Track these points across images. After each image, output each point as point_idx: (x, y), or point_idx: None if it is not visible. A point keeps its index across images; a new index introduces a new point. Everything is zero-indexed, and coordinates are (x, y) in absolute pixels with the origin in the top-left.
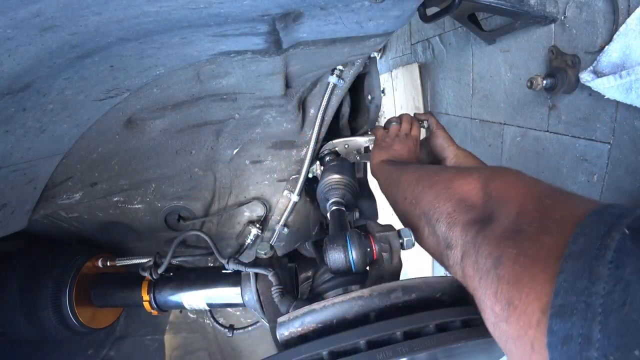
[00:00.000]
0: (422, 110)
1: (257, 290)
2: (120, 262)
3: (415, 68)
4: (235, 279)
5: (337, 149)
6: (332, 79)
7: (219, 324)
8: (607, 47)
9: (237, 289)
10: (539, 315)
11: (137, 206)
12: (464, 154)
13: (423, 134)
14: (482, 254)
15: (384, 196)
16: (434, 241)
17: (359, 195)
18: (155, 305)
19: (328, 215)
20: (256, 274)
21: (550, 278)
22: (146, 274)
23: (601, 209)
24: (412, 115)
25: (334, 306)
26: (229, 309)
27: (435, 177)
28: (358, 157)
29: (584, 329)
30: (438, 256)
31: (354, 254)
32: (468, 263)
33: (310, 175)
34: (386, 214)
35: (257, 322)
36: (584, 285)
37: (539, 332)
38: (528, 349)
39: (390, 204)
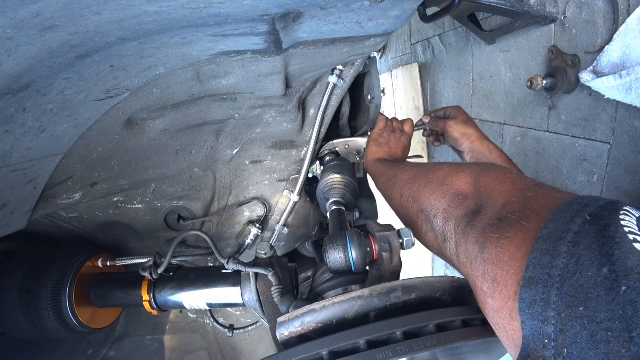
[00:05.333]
0: (422, 111)
1: (257, 290)
2: (120, 262)
3: (415, 68)
4: (235, 279)
5: (337, 149)
6: (332, 79)
7: (219, 324)
8: (607, 47)
9: (237, 289)
10: (516, 288)
11: (137, 206)
12: (481, 149)
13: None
14: (470, 242)
15: (379, 192)
16: (432, 236)
17: (359, 195)
18: (155, 305)
19: (328, 215)
20: (256, 274)
21: (525, 256)
22: (146, 274)
23: (572, 200)
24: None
25: (334, 306)
26: (229, 309)
27: (430, 175)
28: (358, 157)
29: (544, 295)
30: (437, 250)
31: (353, 254)
32: (460, 252)
33: (310, 175)
34: (386, 214)
35: (257, 322)
36: (547, 260)
37: (516, 301)
38: (508, 318)
39: (385, 199)
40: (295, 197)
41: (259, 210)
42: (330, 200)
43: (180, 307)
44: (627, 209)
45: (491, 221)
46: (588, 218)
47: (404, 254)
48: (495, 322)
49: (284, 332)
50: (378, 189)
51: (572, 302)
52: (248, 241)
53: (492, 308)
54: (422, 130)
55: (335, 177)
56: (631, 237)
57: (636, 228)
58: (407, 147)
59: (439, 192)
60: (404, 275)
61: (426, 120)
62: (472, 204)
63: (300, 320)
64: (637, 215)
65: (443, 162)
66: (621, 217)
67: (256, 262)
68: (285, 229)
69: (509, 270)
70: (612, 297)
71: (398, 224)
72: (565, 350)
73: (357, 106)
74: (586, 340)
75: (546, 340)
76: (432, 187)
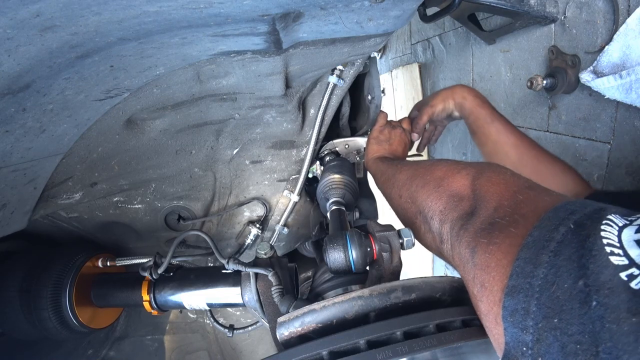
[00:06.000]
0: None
1: (257, 290)
2: (120, 262)
3: (415, 68)
4: (235, 279)
5: (337, 149)
6: (332, 79)
7: (219, 324)
8: (607, 47)
9: (237, 289)
10: (501, 295)
11: (137, 206)
12: (458, 96)
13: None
14: (462, 245)
15: (379, 191)
16: (430, 237)
17: (359, 195)
18: (155, 305)
19: (328, 215)
20: (256, 274)
21: (510, 263)
22: (146, 274)
23: (560, 206)
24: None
25: (334, 306)
26: (229, 309)
27: (427, 175)
28: (358, 157)
29: (525, 304)
30: (436, 251)
31: (354, 254)
32: (455, 254)
33: (310, 175)
34: (386, 214)
35: (257, 322)
36: (530, 269)
37: (500, 308)
38: (494, 322)
39: (386, 199)
40: (295, 197)
41: (259, 210)
42: (330, 200)
43: (180, 307)
44: (610, 217)
45: (482, 225)
46: (572, 226)
47: (404, 254)
48: (484, 325)
49: (284, 332)
50: (378, 187)
51: (548, 313)
52: (248, 241)
53: (481, 311)
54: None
55: (335, 177)
56: (608, 249)
57: (616, 239)
58: (408, 144)
59: (435, 194)
60: (404, 275)
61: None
62: (467, 206)
63: (300, 320)
64: (620, 225)
65: (440, 159)
66: (602, 227)
67: (256, 262)
68: (285, 229)
69: (495, 276)
70: (584, 311)
71: (398, 224)
72: (540, 359)
73: (357, 106)
74: (557, 351)
75: (524, 348)
76: (429, 188)
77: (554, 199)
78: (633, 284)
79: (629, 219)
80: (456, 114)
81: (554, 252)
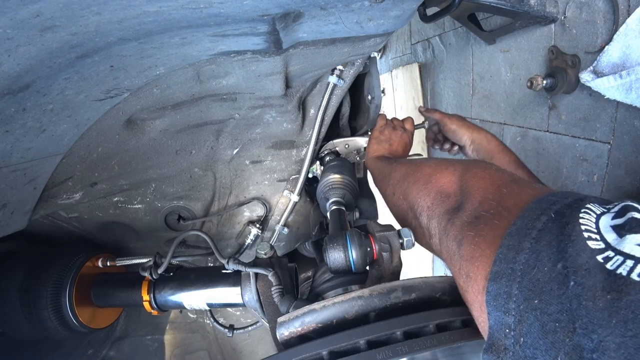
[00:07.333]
0: None
1: (257, 290)
2: (120, 262)
3: (415, 68)
4: (235, 279)
5: (337, 149)
6: (332, 79)
7: (219, 324)
8: (607, 47)
9: (237, 289)
10: (485, 283)
11: (137, 206)
12: (480, 138)
13: (423, 132)
14: (450, 239)
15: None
16: (420, 232)
17: (359, 195)
18: (155, 305)
19: (328, 215)
20: (256, 274)
21: (494, 252)
22: (146, 274)
23: (542, 198)
24: (418, 112)
25: (334, 306)
26: (229, 309)
27: (417, 173)
28: (358, 157)
29: (507, 288)
30: (426, 246)
31: (353, 254)
32: (443, 248)
33: (310, 175)
34: (386, 214)
35: (257, 322)
36: (512, 255)
37: (484, 295)
38: (479, 310)
39: (382, 196)
40: (295, 197)
41: (259, 210)
42: (330, 200)
43: (180, 307)
44: (589, 206)
45: (469, 219)
46: (552, 215)
47: (403, 254)
48: (472, 314)
49: (284, 332)
50: (376, 186)
51: (529, 295)
52: (248, 241)
53: (468, 302)
54: (424, 130)
55: (335, 177)
56: (586, 234)
57: (593, 226)
58: (408, 145)
59: (424, 190)
60: (404, 275)
61: (422, 110)
62: (454, 201)
63: (300, 320)
64: (598, 212)
65: (432, 158)
66: (581, 215)
67: (256, 262)
68: (285, 229)
69: (479, 265)
70: (562, 291)
71: (398, 224)
72: (522, 339)
73: (357, 106)
74: (537, 330)
75: (507, 330)
76: (418, 185)
77: (537, 191)
78: (608, 265)
79: (607, 207)
80: (463, 142)
81: (535, 239)
